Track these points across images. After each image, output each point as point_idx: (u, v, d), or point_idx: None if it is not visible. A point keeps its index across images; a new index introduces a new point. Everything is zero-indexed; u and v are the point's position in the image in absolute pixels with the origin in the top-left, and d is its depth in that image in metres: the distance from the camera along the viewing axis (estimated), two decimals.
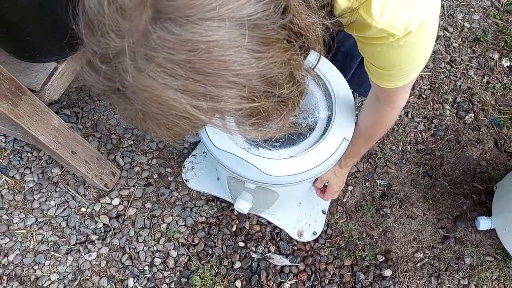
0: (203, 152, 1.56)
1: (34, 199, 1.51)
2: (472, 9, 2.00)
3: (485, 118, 1.72)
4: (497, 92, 1.79)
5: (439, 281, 1.44)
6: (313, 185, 1.29)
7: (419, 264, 1.46)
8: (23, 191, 1.52)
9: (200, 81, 0.45)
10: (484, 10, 2.00)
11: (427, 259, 1.47)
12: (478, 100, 1.76)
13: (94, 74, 0.48)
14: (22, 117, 1.06)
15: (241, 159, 1.00)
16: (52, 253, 1.44)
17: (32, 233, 1.46)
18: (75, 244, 1.45)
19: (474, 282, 1.44)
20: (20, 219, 1.48)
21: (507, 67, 1.84)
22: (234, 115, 0.52)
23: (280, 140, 1.05)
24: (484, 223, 1.45)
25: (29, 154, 1.58)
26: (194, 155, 1.56)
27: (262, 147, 1.02)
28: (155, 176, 1.57)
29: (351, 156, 1.11)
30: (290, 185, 1.04)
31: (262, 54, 0.46)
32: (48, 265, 1.42)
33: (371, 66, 0.75)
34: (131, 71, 0.44)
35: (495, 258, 1.48)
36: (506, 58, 1.85)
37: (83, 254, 1.44)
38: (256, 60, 0.46)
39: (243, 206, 1.24)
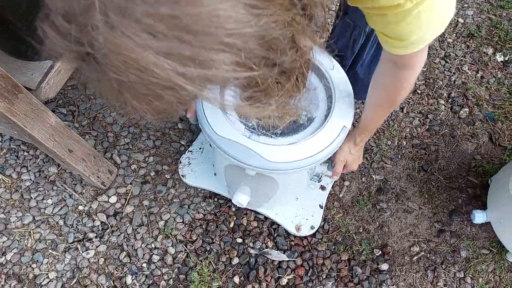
0: (200, 148, 1.57)
1: (31, 197, 1.51)
2: (466, 5, 2.01)
3: (479, 112, 1.74)
4: (491, 87, 1.80)
5: (435, 274, 1.45)
6: (333, 173, 1.26)
7: (415, 257, 1.48)
8: (20, 190, 1.52)
9: (186, 42, 0.37)
10: (478, 6, 2.01)
11: (423, 253, 1.48)
12: (473, 95, 1.77)
13: (58, 37, 0.39)
14: (19, 115, 1.06)
15: (242, 145, 1.01)
16: (50, 251, 1.44)
17: (29, 232, 1.46)
18: (73, 242, 1.46)
19: (470, 275, 1.45)
20: (18, 218, 1.48)
21: (501, 61, 1.86)
22: (227, 86, 0.46)
23: (280, 129, 1.06)
24: (479, 217, 1.46)
25: (25, 153, 1.58)
26: (190, 151, 1.57)
27: (263, 135, 1.03)
28: (152, 173, 1.58)
29: (368, 130, 1.08)
30: (290, 171, 1.04)
31: (261, 11, 0.39)
32: (46, 263, 1.42)
33: (383, 36, 0.71)
34: (102, 29, 0.36)
35: (490, 251, 1.49)
36: (500, 53, 1.87)
37: (81, 252, 1.44)
38: (255, 17, 0.39)
39: (241, 199, 1.25)
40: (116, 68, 0.38)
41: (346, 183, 1.58)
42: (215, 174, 1.51)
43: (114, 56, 0.37)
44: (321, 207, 1.49)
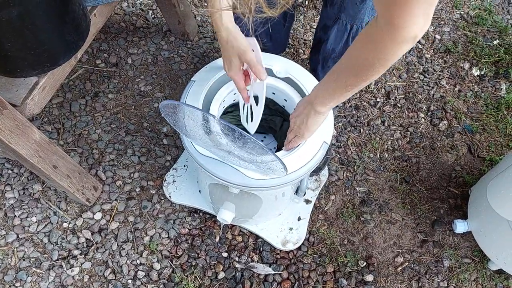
0: (184, 165, 1.58)
1: (15, 215, 1.50)
2: (442, 22, 2.08)
3: (458, 125, 1.78)
4: (468, 100, 1.85)
5: (420, 284, 1.47)
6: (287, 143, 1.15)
7: (399, 268, 1.49)
8: (3, 208, 1.51)
9: None
10: (454, 23, 2.08)
11: (407, 263, 1.50)
12: (451, 108, 1.82)
13: None
14: (3, 131, 1.07)
15: (224, 163, 1.03)
16: (34, 269, 1.43)
17: (13, 250, 1.45)
18: (57, 259, 1.44)
19: (453, 284, 1.47)
20: (1, 236, 1.46)
21: (477, 76, 1.92)
22: None
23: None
24: (460, 226, 1.49)
25: (9, 171, 1.58)
26: (175, 169, 1.58)
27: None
28: (138, 189, 1.58)
29: (327, 95, 0.91)
30: (273, 188, 1.06)
31: None
32: (30, 282, 1.40)
33: None
34: None
35: (472, 260, 1.52)
36: (476, 68, 1.93)
37: (65, 269, 1.43)
38: None
39: (226, 216, 1.26)
40: None
41: (332, 197, 1.60)
42: (199, 191, 1.52)
43: None
44: (299, 219, 1.50)
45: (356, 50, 0.79)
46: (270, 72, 1.16)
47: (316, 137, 1.08)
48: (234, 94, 1.21)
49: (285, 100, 1.23)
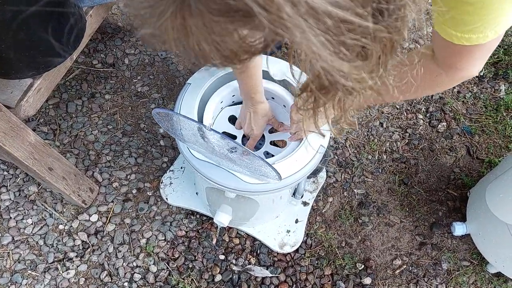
0: (181, 167, 1.57)
1: (11, 217, 1.49)
2: None
3: (457, 126, 1.77)
4: (467, 101, 1.84)
5: (418, 287, 1.46)
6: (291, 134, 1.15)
7: (397, 271, 1.48)
8: None
9: None
10: None
11: (405, 266, 1.49)
12: (450, 109, 1.81)
13: None
14: None
15: (220, 168, 1.02)
16: (30, 272, 1.41)
17: (8, 252, 1.43)
18: (53, 262, 1.43)
19: (451, 287, 1.46)
20: None
21: (476, 77, 1.91)
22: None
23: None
24: (459, 229, 1.48)
25: (5, 173, 1.56)
26: (172, 171, 1.57)
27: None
28: (134, 191, 1.57)
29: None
30: (269, 192, 1.05)
31: None
32: (26, 284, 1.39)
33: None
34: None
35: (471, 262, 1.51)
36: None
37: (61, 272, 1.42)
38: None
39: (222, 219, 1.25)
40: None
41: (330, 199, 1.59)
42: (196, 193, 1.51)
43: None
44: (296, 222, 1.49)
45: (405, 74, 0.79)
46: (266, 75, 1.15)
47: (313, 140, 1.06)
48: (233, 96, 1.20)
49: (284, 106, 1.21)
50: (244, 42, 0.38)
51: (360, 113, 1.76)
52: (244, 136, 1.20)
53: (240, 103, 1.30)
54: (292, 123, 1.06)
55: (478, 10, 0.54)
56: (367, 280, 1.46)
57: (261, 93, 1.08)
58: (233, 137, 1.22)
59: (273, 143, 1.24)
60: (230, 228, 1.51)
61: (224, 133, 1.17)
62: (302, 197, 1.40)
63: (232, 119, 1.29)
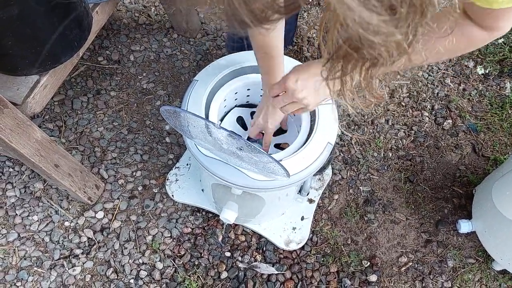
0: (187, 164, 1.57)
1: (16, 214, 1.49)
2: None
3: (462, 124, 1.77)
4: (473, 99, 1.84)
5: (423, 284, 1.46)
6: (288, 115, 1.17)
7: (403, 268, 1.48)
8: (4, 207, 1.50)
9: None
10: None
11: (411, 263, 1.49)
12: (455, 106, 1.81)
13: None
14: (4, 130, 1.05)
15: (227, 164, 1.02)
16: (35, 268, 1.42)
17: (14, 249, 1.44)
18: (59, 259, 1.43)
19: (457, 285, 1.46)
20: (2, 235, 1.45)
21: (482, 74, 1.90)
22: None
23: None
24: (465, 226, 1.48)
25: (10, 169, 1.56)
26: (178, 167, 1.56)
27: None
28: (140, 188, 1.57)
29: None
30: (276, 189, 1.05)
31: None
32: (32, 281, 1.40)
33: None
34: None
35: (476, 260, 1.51)
36: (481, 66, 1.91)
37: (67, 268, 1.42)
38: None
39: (228, 216, 1.25)
40: None
41: (336, 196, 1.59)
42: (202, 190, 1.51)
43: None
44: (302, 219, 1.49)
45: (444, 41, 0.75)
46: None
47: (321, 137, 1.06)
48: (236, 93, 1.20)
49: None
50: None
51: (388, 84, 1.76)
52: (249, 137, 1.20)
53: (250, 106, 1.30)
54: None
55: None
56: (373, 277, 1.46)
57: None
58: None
59: (277, 146, 1.24)
60: (236, 225, 1.51)
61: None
62: (308, 194, 1.40)
63: (241, 120, 1.29)
